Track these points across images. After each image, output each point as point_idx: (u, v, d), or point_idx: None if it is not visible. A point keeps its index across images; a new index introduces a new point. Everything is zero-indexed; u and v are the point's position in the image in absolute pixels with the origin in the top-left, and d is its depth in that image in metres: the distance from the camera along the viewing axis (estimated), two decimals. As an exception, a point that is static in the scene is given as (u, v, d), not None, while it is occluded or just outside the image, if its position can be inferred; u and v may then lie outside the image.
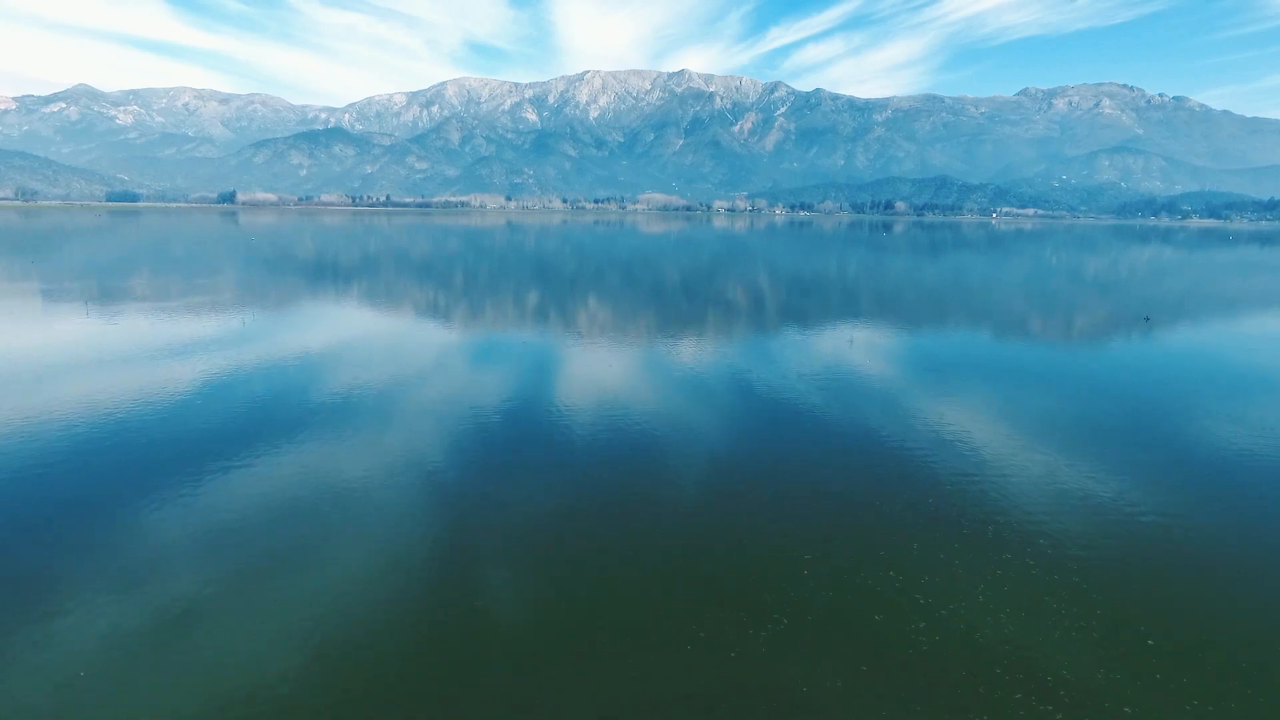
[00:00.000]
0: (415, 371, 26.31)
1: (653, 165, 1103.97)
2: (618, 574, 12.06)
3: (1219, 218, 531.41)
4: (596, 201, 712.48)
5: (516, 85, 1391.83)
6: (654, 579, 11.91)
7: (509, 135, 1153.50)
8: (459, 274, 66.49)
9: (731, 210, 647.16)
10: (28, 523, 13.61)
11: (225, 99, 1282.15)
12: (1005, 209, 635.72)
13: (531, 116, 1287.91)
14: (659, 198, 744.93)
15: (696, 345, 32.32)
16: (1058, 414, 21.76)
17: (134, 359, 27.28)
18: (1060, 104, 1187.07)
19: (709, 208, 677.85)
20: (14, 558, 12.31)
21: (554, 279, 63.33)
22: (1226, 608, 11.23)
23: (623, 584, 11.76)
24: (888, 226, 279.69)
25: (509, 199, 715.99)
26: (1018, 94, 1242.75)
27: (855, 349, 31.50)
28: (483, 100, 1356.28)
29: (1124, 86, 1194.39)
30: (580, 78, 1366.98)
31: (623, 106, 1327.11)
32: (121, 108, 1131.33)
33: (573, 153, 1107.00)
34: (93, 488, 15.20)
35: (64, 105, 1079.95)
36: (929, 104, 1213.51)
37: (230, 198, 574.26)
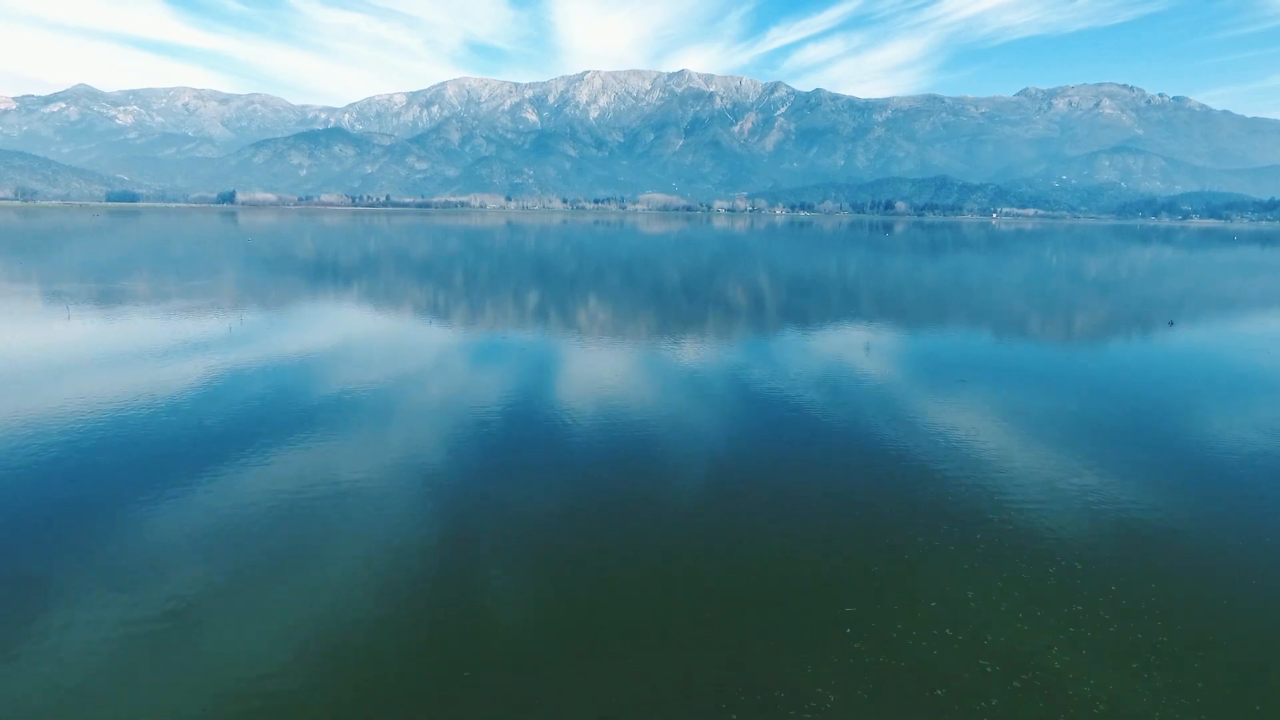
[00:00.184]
0: (415, 372, 26.31)
1: (653, 165, 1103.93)
2: (618, 574, 12.06)
3: (1219, 218, 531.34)
4: (596, 202, 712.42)
5: (516, 85, 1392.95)
6: (654, 579, 11.91)
7: (509, 135, 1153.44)
8: (459, 274, 66.50)
9: (731, 210, 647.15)
10: (28, 523, 13.61)
11: (225, 99, 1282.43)
12: (1005, 209, 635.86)
13: (531, 117, 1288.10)
14: (659, 198, 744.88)
15: (696, 345, 32.32)
16: (1058, 414, 21.76)
17: (133, 359, 27.29)
18: (1060, 104, 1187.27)
19: (709, 208, 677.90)
20: (14, 558, 12.32)
21: (554, 279, 63.33)
22: (1227, 607, 11.24)
23: (623, 584, 11.76)
24: (888, 227, 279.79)
25: (509, 199, 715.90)
26: (1018, 94, 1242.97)
27: (858, 351, 31.49)
28: (483, 100, 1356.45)
29: (1124, 87, 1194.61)
30: (580, 78, 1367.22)
31: (623, 107, 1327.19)
32: (121, 108, 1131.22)
33: (573, 153, 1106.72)
34: (93, 488, 15.20)
35: (64, 105, 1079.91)
36: (929, 104, 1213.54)
37: (230, 198, 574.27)
